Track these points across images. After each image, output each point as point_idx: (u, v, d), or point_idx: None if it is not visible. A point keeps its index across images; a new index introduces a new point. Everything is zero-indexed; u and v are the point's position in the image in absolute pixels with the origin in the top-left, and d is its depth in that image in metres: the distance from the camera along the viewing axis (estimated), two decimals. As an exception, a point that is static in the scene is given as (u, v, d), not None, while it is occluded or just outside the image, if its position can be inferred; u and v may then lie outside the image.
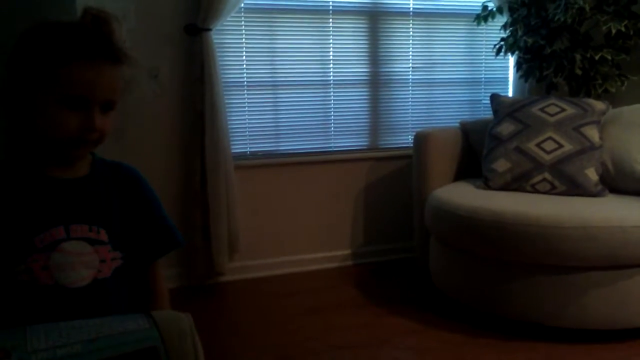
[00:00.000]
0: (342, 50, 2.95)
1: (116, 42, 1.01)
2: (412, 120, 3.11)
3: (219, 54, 2.67)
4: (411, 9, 3.03)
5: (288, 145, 2.92)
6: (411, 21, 3.04)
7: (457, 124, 2.85)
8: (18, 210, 0.96)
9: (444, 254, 2.42)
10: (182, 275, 2.74)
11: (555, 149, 2.38)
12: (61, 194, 1.00)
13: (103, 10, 1.00)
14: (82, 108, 0.96)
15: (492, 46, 2.98)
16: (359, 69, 2.99)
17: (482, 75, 3.20)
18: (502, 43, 2.93)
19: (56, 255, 0.96)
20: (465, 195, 2.36)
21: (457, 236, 2.28)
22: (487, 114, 2.87)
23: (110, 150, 1.18)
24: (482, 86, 3.20)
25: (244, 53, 2.80)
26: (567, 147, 2.36)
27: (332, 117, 2.99)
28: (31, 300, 0.95)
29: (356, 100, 3.02)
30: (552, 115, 2.46)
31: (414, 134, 2.74)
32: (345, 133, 3.02)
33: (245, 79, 2.81)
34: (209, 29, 2.61)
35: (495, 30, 3.03)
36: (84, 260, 0.98)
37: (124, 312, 1.01)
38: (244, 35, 2.80)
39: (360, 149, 3.05)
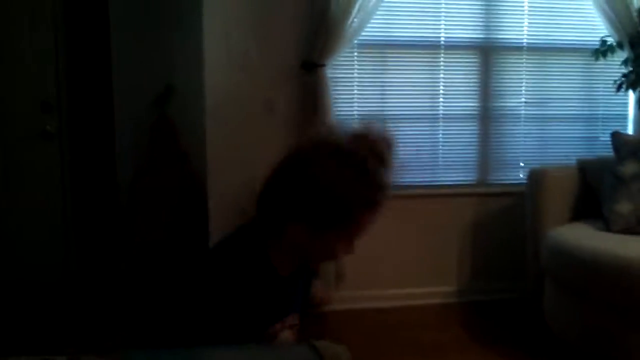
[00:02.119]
0: (452, 85, 2.95)
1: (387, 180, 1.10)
2: (523, 156, 3.02)
3: (332, 87, 2.74)
4: (525, 44, 2.99)
5: (395, 178, 2.92)
6: (525, 56, 2.99)
7: (572, 162, 2.75)
8: (262, 305, 1.07)
9: (562, 297, 2.32)
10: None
11: (686, 192, 2.24)
12: (287, 289, 1.14)
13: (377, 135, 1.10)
14: None
15: (612, 82, 2.86)
16: (469, 103, 2.97)
17: (600, 111, 3.07)
18: (623, 79, 2.81)
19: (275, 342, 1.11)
20: (586, 238, 2.26)
21: (579, 280, 2.18)
22: (605, 151, 2.75)
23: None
24: (600, 123, 3.07)
25: (355, 87, 2.87)
26: (700, 190, 2.22)
27: (441, 150, 2.98)
28: None
29: (465, 135, 2.99)
30: (681, 156, 2.33)
31: (525, 170, 2.67)
32: (454, 167, 2.99)
33: (355, 112, 2.87)
34: (324, 65, 2.69)
35: (614, 64, 2.91)
36: (283, 342, 1.13)
37: None
38: (355, 70, 2.86)
39: (468, 184, 3.00)
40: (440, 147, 2.97)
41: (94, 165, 2.99)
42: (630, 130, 3.04)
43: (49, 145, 2.91)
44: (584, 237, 2.28)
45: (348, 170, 1.05)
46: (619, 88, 2.83)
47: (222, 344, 0.99)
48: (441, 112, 2.95)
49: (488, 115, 2.99)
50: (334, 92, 2.78)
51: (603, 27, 2.90)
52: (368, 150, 1.08)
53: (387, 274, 2.94)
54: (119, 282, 2.90)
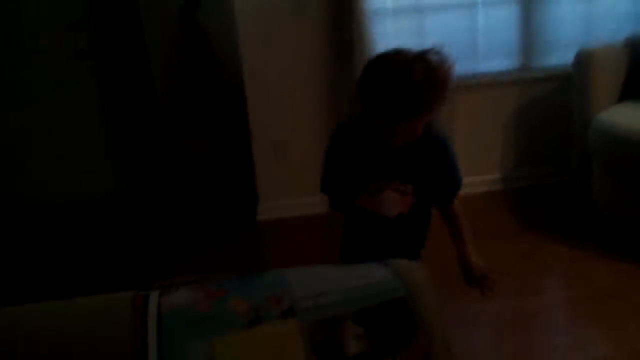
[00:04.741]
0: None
1: (431, 96, 1.22)
2: (568, 37, 2.85)
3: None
4: None
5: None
6: None
7: (621, 39, 2.61)
8: (366, 164, 1.40)
9: (611, 179, 2.31)
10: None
11: None
12: (394, 157, 1.38)
13: (437, 61, 1.22)
14: None
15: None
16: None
17: (651, -17, 2.86)
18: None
19: (380, 197, 1.41)
20: (637, 119, 2.20)
21: (629, 162, 2.15)
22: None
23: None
24: (651, -5, 2.86)
25: (389, -23, 2.71)
26: None
27: (480, 38, 2.84)
28: (365, 219, 1.44)
29: (506, 19, 2.83)
30: None
31: (571, 52, 2.56)
32: (495, 54, 2.87)
33: (389, 4, 2.73)
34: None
35: None
36: (394, 203, 1.42)
37: (418, 237, 1.52)
38: (387, -41, 2.69)
39: (511, 71, 2.89)
40: (480, 34, 2.84)
41: (129, 81, 2.98)
42: (683, -1, 2.84)
43: (83, 63, 2.92)
44: (634, 118, 2.22)
45: (392, 85, 1.22)
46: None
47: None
48: (479, -4, 2.79)
49: (530, -5, 2.81)
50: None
51: None
52: (423, 73, 1.20)
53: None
54: (171, 194, 2.99)
